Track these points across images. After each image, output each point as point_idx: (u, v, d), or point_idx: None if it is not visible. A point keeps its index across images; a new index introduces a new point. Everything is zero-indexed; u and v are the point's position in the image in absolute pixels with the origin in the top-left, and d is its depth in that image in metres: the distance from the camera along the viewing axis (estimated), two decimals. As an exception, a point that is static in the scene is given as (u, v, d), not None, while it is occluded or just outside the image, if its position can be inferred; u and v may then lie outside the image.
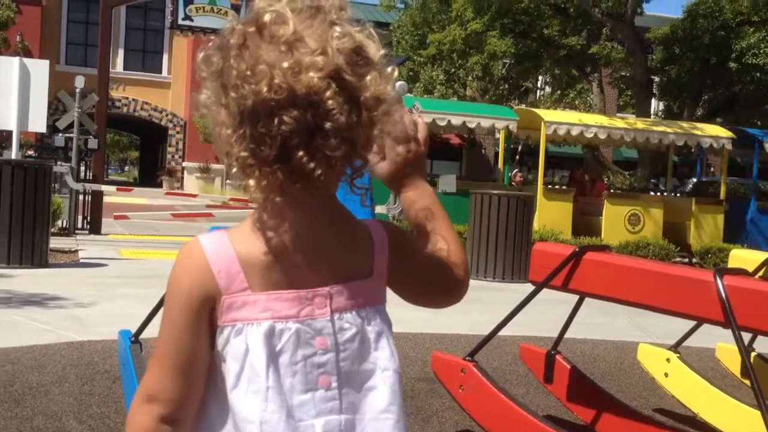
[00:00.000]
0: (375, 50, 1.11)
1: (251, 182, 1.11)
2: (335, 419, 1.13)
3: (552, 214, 12.24)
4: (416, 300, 1.32)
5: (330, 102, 1.06)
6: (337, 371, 1.14)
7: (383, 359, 1.17)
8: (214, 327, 1.14)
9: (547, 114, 13.10)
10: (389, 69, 1.14)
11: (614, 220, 12.52)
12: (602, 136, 13.16)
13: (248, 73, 1.08)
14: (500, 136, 13.60)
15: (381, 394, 1.16)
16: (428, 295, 1.33)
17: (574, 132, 12.90)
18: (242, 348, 1.11)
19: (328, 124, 1.07)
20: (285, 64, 1.06)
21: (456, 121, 12.75)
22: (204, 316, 1.13)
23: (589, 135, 13.08)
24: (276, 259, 1.13)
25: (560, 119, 13.03)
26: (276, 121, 1.07)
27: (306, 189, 1.11)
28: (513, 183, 14.10)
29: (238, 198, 13.23)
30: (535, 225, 11.97)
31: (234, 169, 1.13)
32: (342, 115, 1.07)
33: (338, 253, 1.16)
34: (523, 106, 29.56)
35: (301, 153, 1.08)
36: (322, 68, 1.06)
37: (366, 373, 1.16)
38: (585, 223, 12.45)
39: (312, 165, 1.08)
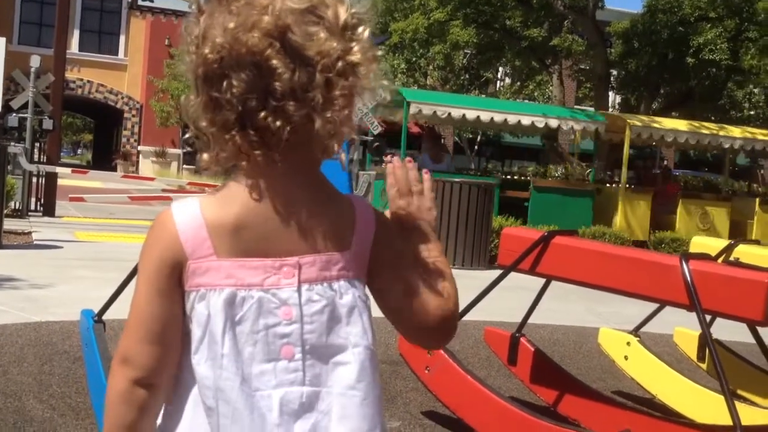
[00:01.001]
0: (336, 11, 1.10)
1: (216, 152, 1.12)
2: (296, 391, 1.11)
3: (632, 213, 12.66)
4: (393, 315, 1.24)
5: (273, 61, 1.06)
6: (301, 343, 1.12)
7: (354, 335, 1.14)
8: (183, 293, 1.14)
9: (632, 118, 13.48)
10: (359, 29, 1.13)
11: (687, 218, 12.98)
12: (681, 140, 13.65)
13: (200, 38, 1.09)
14: (575, 137, 13.96)
15: (350, 370, 1.13)
16: (404, 313, 1.22)
17: (656, 136, 13.38)
18: (204, 314, 1.10)
19: (276, 84, 1.07)
20: (231, 25, 1.07)
21: (552, 123, 13.00)
22: (174, 281, 1.13)
23: (669, 139, 13.56)
24: (245, 226, 1.12)
25: (644, 123, 13.45)
26: (225, 84, 1.07)
27: (269, 155, 1.10)
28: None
29: (196, 182, 13.12)
30: (617, 223, 12.23)
31: (200, 139, 1.13)
32: (288, 73, 1.07)
33: (312, 224, 1.14)
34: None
35: (262, 114, 1.07)
36: (264, 27, 1.06)
37: (336, 347, 1.14)
38: (660, 222, 12.76)
39: (270, 127, 1.08)
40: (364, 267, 1.18)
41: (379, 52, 1.16)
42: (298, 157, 1.13)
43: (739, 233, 12.67)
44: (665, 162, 29.79)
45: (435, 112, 12.42)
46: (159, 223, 1.15)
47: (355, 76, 1.12)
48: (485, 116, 12.72)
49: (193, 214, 1.13)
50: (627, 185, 12.97)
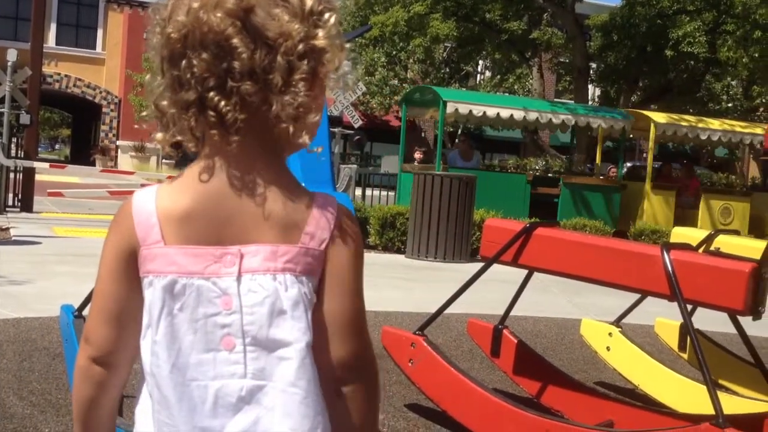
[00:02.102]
0: None
1: (172, 132, 1.13)
2: (236, 384, 1.09)
3: (657, 208, 12.95)
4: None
5: (234, 41, 1.06)
6: (242, 334, 1.09)
7: (297, 330, 1.10)
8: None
9: (657, 116, 13.69)
10: (326, 15, 1.12)
11: (709, 213, 13.28)
12: (704, 137, 13.84)
13: (167, 20, 1.10)
14: (597, 134, 14.16)
15: (290, 366, 1.10)
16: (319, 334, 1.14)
17: (680, 133, 13.59)
18: (149, 300, 1.11)
19: (236, 64, 1.07)
20: (195, 5, 1.08)
21: (582, 121, 13.26)
22: (131, 267, 1.14)
23: (691, 135, 13.72)
24: (193, 214, 1.11)
25: (670, 121, 13.65)
26: (185, 63, 1.08)
27: (225, 136, 1.10)
28: (612, 174, 14.52)
29: (174, 176, 13.01)
30: (643, 218, 12.42)
31: (159, 119, 1.14)
32: (247, 53, 1.07)
33: (262, 213, 1.11)
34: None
35: (212, 94, 1.07)
36: (228, 7, 1.06)
37: (279, 341, 1.10)
38: (682, 216, 13.00)
39: (227, 107, 1.08)
40: (317, 267, 1.13)
41: (348, 44, 1.15)
42: (257, 143, 1.11)
43: (758, 228, 13.01)
44: (644, 154, 29.95)
45: (471, 111, 12.58)
46: (120, 209, 1.17)
47: (319, 62, 1.11)
48: (518, 114, 12.93)
49: (148, 199, 1.14)
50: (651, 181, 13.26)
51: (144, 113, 1.18)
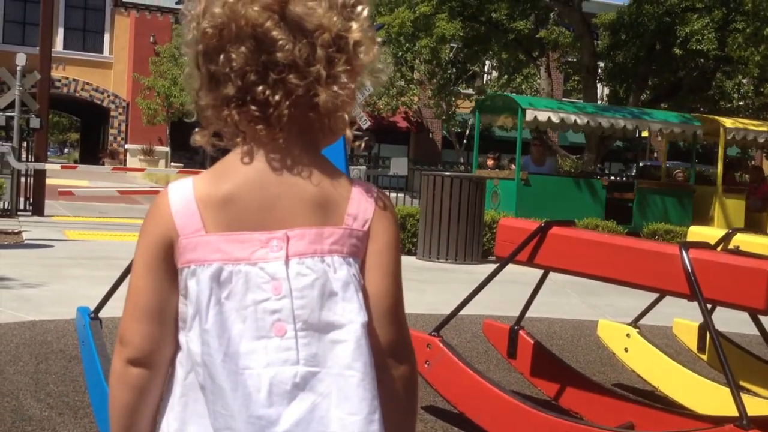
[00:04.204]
0: None
1: (211, 130, 1.13)
2: (289, 370, 1.07)
3: (728, 211, 13.07)
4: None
5: (274, 33, 1.06)
6: (293, 319, 1.07)
7: (350, 311, 1.09)
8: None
9: (727, 121, 13.80)
10: (359, 8, 1.12)
11: None
12: None
13: (201, 14, 1.09)
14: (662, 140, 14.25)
15: (345, 349, 1.08)
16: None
17: (749, 137, 13.69)
18: (194, 290, 1.08)
19: (279, 55, 1.07)
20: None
21: (654, 127, 13.47)
22: (168, 260, 1.12)
23: (761, 140, 13.80)
24: (234, 199, 1.10)
25: (739, 125, 13.73)
26: (224, 57, 1.07)
27: (270, 131, 1.10)
28: (679, 178, 14.61)
29: (186, 170, 13.10)
30: (715, 221, 12.50)
31: (203, 118, 1.13)
32: (290, 45, 1.07)
33: (304, 198, 1.11)
34: (470, 91, 29.74)
35: (261, 88, 1.07)
36: (264, 0, 1.07)
37: (331, 324, 1.09)
38: (751, 220, 13.11)
39: (273, 100, 1.08)
40: (361, 248, 1.13)
41: (379, 38, 1.15)
42: (297, 134, 1.12)
43: None
44: (654, 153, 29.88)
45: (549, 117, 12.64)
46: (156, 201, 1.15)
47: (354, 55, 1.11)
48: (594, 121, 13.01)
49: (185, 189, 1.12)
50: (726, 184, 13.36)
51: (191, 106, 1.16)
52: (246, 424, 1.05)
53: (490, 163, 14.41)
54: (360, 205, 1.14)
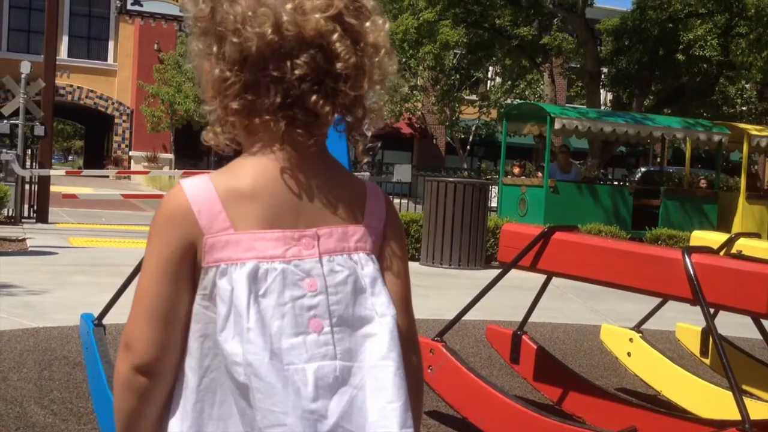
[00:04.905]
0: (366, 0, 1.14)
1: (228, 131, 1.12)
2: (329, 365, 1.09)
3: (753, 217, 13.22)
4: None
5: (338, 44, 1.08)
6: (329, 315, 1.10)
7: (381, 305, 1.13)
8: (196, 273, 1.11)
9: (751, 128, 13.93)
10: (381, 20, 1.15)
11: None
12: None
13: (249, 15, 1.07)
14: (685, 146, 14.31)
15: (380, 341, 1.11)
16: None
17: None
18: (228, 289, 1.08)
19: (339, 65, 1.08)
20: (288, 6, 1.06)
21: (679, 134, 13.61)
22: (187, 260, 1.10)
23: None
24: (258, 197, 1.10)
25: (764, 133, 13.84)
26: (288, 64, 1.07)
27: (306, 134, 1.11)
28: (702, 184, 14.72)
29: (190, 171, 13.12)
30: (738, 228, 12.55)
31: (227, 119, 1.12)
32: (351, 57, 1.08)
33: (327, 198, 1.14)
34: (474, 97, 29.76)
35: (315, 97, 1.08)
36: (326, 10, 1.07)
37: (362, 319, 1.12)
38: None
39: (327, 108, 1.09)
40: (379, 244, 1.18)
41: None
42: (319, 135, 1.14)
43: None
44: (657, 159, 29.83)
45: (577, 126, 12.74)
46: (170, 199, 1.11)
47: (385, 66, 1.15)
48: (621, 129, 13.09)
49: (205, 187, 1.10)
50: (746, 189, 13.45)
51: (207, 108, 1.14)
52: (300, 420, 1.06)
53: (516, 170, 14.49)
54: (376, 204, 1.19)
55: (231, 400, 1.09)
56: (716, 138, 13.48)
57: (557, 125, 12.36)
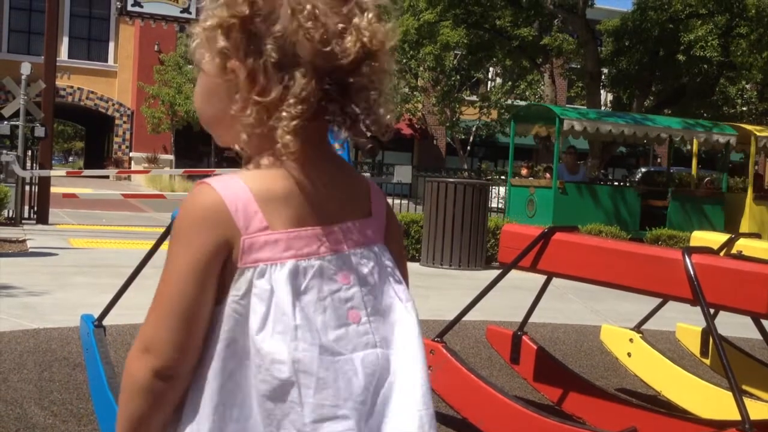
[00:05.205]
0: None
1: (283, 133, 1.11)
2: (372, 353, 1.13)
3: (759, 218, 13.29)
4: None
5: (387, 63, 1.14)
6: (364, 305, 1.15)
7: (402, 291, 1.19)
8: (225, 274, 1.09)
9: (758, 130, 13.97)
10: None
11: None
12: None
13: (333, 29, 1.08)
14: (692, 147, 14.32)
15: (409, 324, 1.17)
16: None
17: None
18: (267, 289, 1.08)
19: (386, 81, 1.14)
20: (363, 24, 1.10)
21: (687, 136, 13.68)
22: (216, 262, 1.08)
23: None
24: (291, 197, 1.12)
25: None
26: (358, 73, 1.11)
27: (320, 129, 1.15)
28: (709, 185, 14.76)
29: (192, 170, 13.13)
30: (745, 228, 12.60)
31: (249, 120, 1.11)
32: (391, 75, 1.15)
33: (345, 193, 1.18)
34: (474, 97, 29.76)
35: (360, 108, 1.13)
36: (391, 39, 1.13)
37: (390, 307, 1.18)
38: None
39: (357, 109, 1.13)
40: (384, 235, 1.24)
41: None
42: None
43: None
44: (658, 159, 29.85)
45: (585, 128, 12.78)
46: (202, 199, 1.09)
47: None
48: (629, 131, 13.11)
49: (240, 187, 1.09)
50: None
51: (249, 116, 1.12)
52: (352, 410, 1.09)
53: (524, 171, 14.51)
54: (379, 199, 1.24)
55: (251, 401, 1.09)
56: (723, 139, 13.53)
57: (566, 126, 12.41)
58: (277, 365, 1.07)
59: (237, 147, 1.16)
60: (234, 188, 1.09)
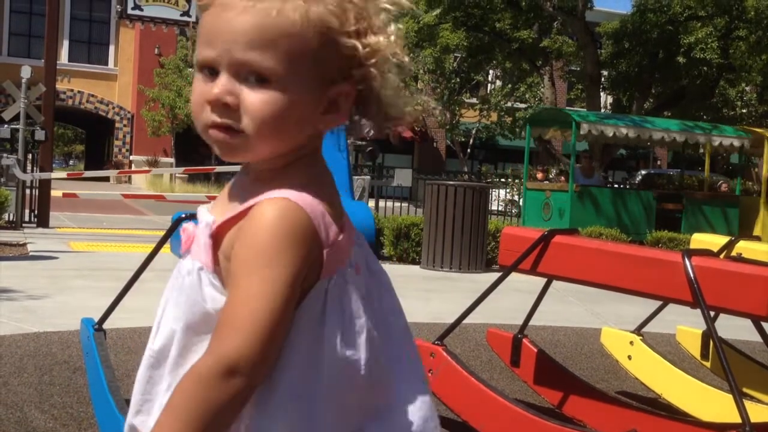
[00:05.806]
0: None
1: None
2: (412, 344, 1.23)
3: None
4: None
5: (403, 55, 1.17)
6: (369, 293, 1.18)
7: (385, 273, 1.24)
8: (306, 286, 1.08)
9: None
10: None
11: None
12: None
13: (367, 18, 1.11)
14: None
15: (393, 295, 1.23)
16: None
17: None
18: (339, 294, 1.11)
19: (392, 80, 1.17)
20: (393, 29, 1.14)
21: (702, 139, 13.71)
22: (302, 278, 1.07)
23: None
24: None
25: None
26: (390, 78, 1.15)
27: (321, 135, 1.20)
28: (723, 189, 14.80)
29: (191, 168, 13.17)
30: (759, 231, 12.75)
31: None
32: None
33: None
34: (474, 100, 29.78)
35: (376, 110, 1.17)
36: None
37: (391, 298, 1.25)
38: None
39: (373, 110, 1.18)
40: None
41: None
42: None
43: None
44: (658, 161, 29.85)
45: (602, 131, 12.83)
46: (290, 216, 1.06)
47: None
48: (644, 134, 13.17)
49: (314, 200, 1.09)
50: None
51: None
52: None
53: (539, 175, 14.55)
54: None
55: (320, 405, 1.09)
56: (737, 143, 13.58)
57: (582, 130, 12.44)
58: (351, 365, 1.11)
59: (264, 157, 1.13)
60: (311, 202, 1.08)
